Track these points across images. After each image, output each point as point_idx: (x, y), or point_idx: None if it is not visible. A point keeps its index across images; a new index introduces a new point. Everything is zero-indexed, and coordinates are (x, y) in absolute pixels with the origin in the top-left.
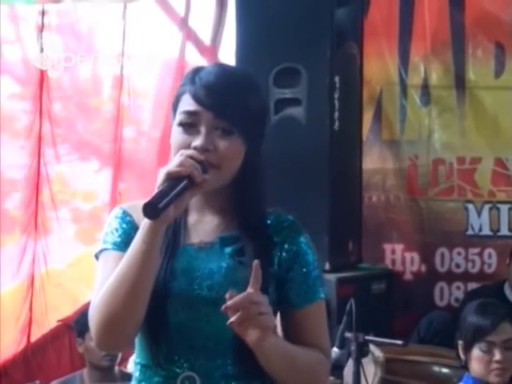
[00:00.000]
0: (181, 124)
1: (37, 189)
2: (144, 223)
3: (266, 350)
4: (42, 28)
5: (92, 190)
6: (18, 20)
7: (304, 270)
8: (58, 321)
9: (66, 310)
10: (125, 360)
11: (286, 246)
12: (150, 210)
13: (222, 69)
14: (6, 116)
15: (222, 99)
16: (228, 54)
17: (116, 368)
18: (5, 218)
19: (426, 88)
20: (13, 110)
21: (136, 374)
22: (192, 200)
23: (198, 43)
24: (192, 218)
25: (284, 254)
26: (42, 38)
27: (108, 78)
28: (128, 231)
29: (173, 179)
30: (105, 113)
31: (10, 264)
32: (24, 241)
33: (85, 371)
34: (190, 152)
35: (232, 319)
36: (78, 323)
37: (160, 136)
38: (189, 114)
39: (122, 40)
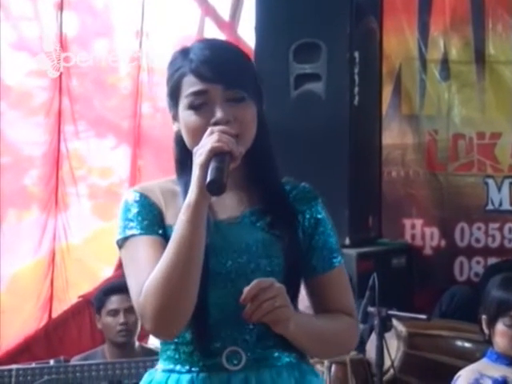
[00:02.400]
0: (191, 106)
1: (57, 165)
2: (188, 204)
3: (290, 334)
4: (61, 6)
5: (108, 166)
6: None
7: (324, 236)
8: (79, 297)
9: (86, 286)
10: (145, 336)
11: (307, 214)
12: (217, 186)
13: (211, 42)
14: (23, 93)
15: (225, 70)
16: (247, 30)
17: (136, 343)
18: (23, 195)
19: (445, 63)
20: (29, 87)
21: (172, 354)
22: None
23: (217, 19)
24: None
25: (306, 222)
26: (61, 16)
27: (125, 55)
28: (152, 213)
29: (217, 155)
30: (122, 89)
31: (29, 240)
32: (45, 217)
33: (105, 347)
34: (221, 127)
35: (245, 311)
36: (95, 299)
37: None
38: (197, 93)
39: (141, 17)
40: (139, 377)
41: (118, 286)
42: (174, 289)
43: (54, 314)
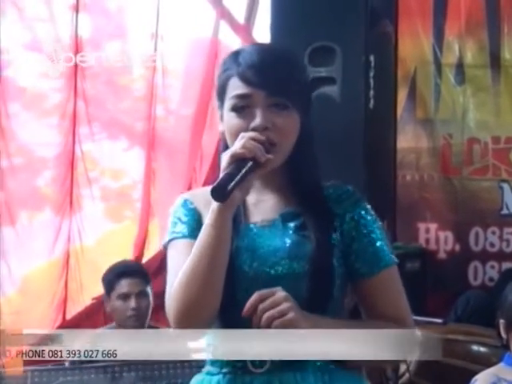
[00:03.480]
0: (234, 109)
1: (72, 167)
2: (212, 208)
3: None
4: (77, 7)
5: (121, 168)
6: None
7: (367, 238)
8: (93, 298)
9: (99, 288)
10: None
11: (347, 217)
12: (218, 192)
13: (262, 47)
14: (36, 94)
15: (270, 76)
16: (262, 33)
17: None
18: (36, 196)
19: (460, 67)
20: (42, 89)
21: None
22: None
23: (232, 22)
24: (251, 197)
25: (345, 224)
26: (76, 18)
27: (139, 57)
28: (192, 218)
29: (237, 162)
30: (134, 91)
31: (42, 241)
32: (59, 218)
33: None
34: (251, 134)
35: (253, 322)
36: (105, 280)
37: (191, 114)
38: (241, 97)
39: (155, 19)
40: (155, 379)
41: (130, 269)
42: (194, 292)
43: (68, 316)
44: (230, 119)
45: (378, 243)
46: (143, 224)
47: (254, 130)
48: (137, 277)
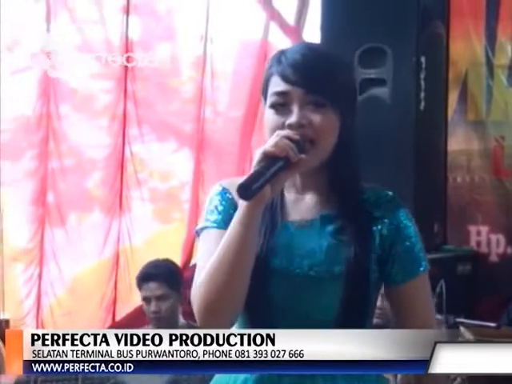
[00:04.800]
0: (272, 106)
1: (121, 168)
2: (240, 205)
3: None
4: (127, 9)
5: (169, 170)
6: (102, 1)
7: (406, 244)
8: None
9: None
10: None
11: (387, 221)
12: (244, 191)
13: (307, 46)
14: (86, 96)
15: (309, 74)
16: (312, 35)
17: (181, 321)
18: (85, 197)
19: None
20: (92, 90)
21: None
22: (290, 179)
23: (282, 23)
24: (290, 195)
25: (385, 229)
26: (127, 20)
27: (188, 59)
28: (227, 208)
29: (268, 160)
30: (183, 93)
31: (92, 242)
32: (108, 219)
33: None
34: (285, 132)
35: None
36: (136, 284)
37: (240, 116)
38: (279, 94)
39: (205, 21)
40: None
41: (153, 273)
42: (219, 284)
43: (118, 317)
44: (269, 116)
45: (415, 249)
46: (191, 225)
47: (289, 126)
48: (159, 280)
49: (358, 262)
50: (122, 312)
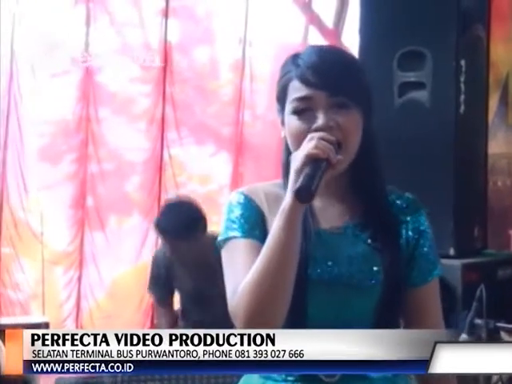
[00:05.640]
0: (295, 112)
1: (160, 172)
2: (281, 210)
3: None
4: (166, 13)
5: (208, 173)
6: (141, 4)
7: (426, 247)
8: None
9: None
10: None
11: (411, 225)
12: (305, 193)
13: (320, 48)
14: (125, 99)
15: (330, 76)
16: (351, 38)
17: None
18: (124, 201)
19: None
20: (131, 94)
21: None
22: None
23: (321, 27)
24: (317, 202)
25: (410, 232)
26: (166, 23)
27: (226, 62)
28: (254, 216)
29: (312, 162)
30: (222, 96)
31: (131, 246)
32: (147, 223)
33: None
34: (321, 134)
35: None
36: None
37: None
38: (301, 99)
39: (244, 24)
40: None
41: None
42: (264, 294)
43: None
44: (291, 122)
45: (433, 253)
46: None
47: (316, 130)
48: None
49: (394, 267)
50: None
